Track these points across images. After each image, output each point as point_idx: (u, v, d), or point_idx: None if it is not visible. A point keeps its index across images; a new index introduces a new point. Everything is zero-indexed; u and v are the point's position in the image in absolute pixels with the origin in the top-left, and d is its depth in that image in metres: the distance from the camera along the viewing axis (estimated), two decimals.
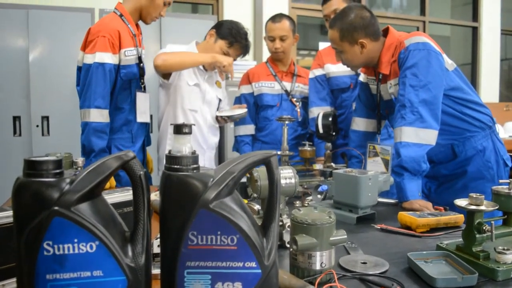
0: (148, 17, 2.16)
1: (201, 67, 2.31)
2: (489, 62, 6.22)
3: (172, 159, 0.70)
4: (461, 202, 1.05)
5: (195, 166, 0.70)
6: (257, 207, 1.22)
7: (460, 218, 1.40)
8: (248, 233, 0.69)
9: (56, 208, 0.62)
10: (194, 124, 0.76)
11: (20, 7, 3.61)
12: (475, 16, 6.21)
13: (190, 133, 0.72)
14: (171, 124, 0.75)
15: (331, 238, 0.93)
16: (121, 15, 2.10)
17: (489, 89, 6.21)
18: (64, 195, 0.63)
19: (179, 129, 0.72)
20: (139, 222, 0.69)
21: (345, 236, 0.95)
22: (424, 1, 5.90)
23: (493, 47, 6.26)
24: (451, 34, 6.65)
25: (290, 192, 1.17)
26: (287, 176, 1.16)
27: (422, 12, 5.95)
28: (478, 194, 1.03)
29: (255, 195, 1.13)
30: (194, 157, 0.71)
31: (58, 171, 0.65)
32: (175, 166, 0.69)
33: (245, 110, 2.35)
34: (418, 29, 5.93)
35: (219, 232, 0.68)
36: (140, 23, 2.22)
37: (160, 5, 2.14)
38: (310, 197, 1.69)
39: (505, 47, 6.55)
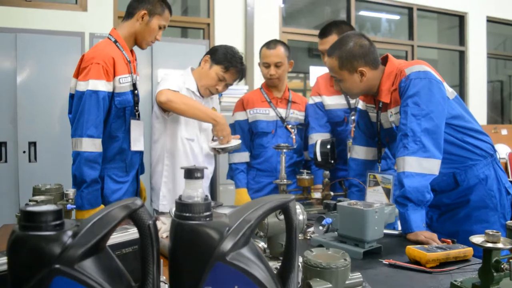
0: (143, 42, 2.11)
1: (197, 93, 2.25)
2: (477, 85, 6.32)
3: (183, 206, 0.65)
4: (477, 239, 1.01)
5: (208, 213, 0.65)
6: (261, 244, 1.16)
7: (469, 251, 1.36)
8: (267, 286, 0.63)
9: (57, 266, 0.56)
10: (206, 168, 0.71)
11: (8, 31, 3.54)
12: (462, 40, 6.32)
13: (202, 177, 0.67)
14: (181, 168, 0.69)
15: (346, 282, 0.88)
16: (115, 41, 2.04)
17: (477, 111, 6.27)
18: (66, 250, 0.57)
19: (190, 174, 0.66)
20: (148, 276, 0.63)
21: (361, 279, 0.90)
22: (412, 26, 6.00)
23: (480, 70, 6.36)
24: (438, 57, 6.76)
25: (298, 230, 1.11)
26: None
27: (411, 36, 6.04)
28: (494, 231, 0.99)
29: (261, 233, 1.07)
30: (207, 204, 0.65)
31: (58, 222, 0.59)
32: (187, 214, 0.64)
33: (239, 141, 2.26)
34: (406, 53, 6.01)
35: (236, 286, 0.62)
36: (135, 48, 2.17)
37: (155, 29, 2.09)
38: (311, 229, 1.63)
39: (489, 69, 6.66)
